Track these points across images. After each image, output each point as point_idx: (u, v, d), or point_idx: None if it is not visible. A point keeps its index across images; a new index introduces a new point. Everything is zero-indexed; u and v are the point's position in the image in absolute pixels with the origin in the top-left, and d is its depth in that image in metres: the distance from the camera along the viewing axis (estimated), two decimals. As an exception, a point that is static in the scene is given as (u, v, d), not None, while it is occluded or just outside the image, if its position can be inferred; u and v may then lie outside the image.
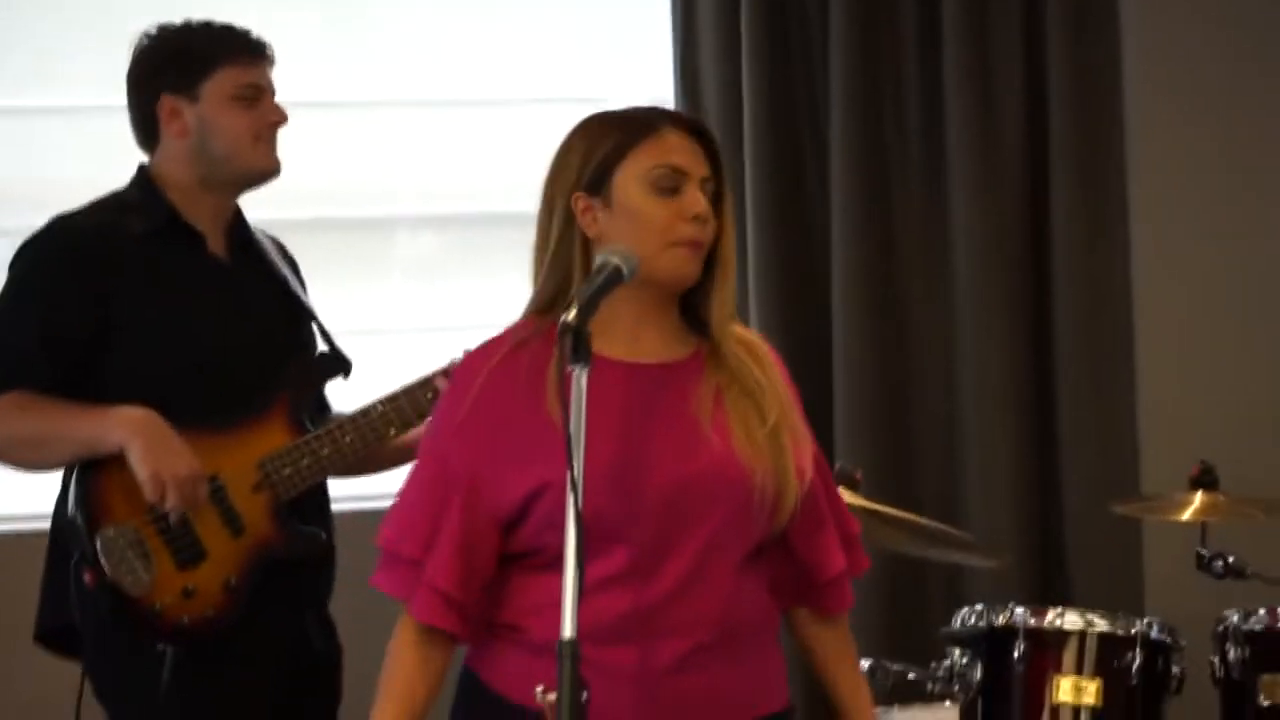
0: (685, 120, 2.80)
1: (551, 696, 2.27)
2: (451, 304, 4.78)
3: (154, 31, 3.57)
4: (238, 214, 3.64)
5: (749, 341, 2.80)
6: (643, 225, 2.66)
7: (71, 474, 3.40)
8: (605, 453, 2.54)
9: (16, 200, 3.90)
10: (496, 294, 4.58)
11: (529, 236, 3.54)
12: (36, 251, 3.49)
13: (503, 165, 4.93)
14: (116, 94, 3.72)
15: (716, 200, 2.72)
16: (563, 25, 5.08)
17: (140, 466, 3.27)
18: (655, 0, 5.01)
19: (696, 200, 2.65)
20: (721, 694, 2.72)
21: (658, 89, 4.98)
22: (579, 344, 2.43)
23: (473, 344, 2.93)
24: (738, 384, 2.72)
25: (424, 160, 4.90)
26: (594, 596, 2.41)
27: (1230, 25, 5.15)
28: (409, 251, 5.08)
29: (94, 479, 3.35)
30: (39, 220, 3.55)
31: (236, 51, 3.55)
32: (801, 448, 2.75)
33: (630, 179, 2.69)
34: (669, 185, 2.67)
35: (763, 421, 2.70)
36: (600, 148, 2.71)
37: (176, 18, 3.61)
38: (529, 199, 4.58)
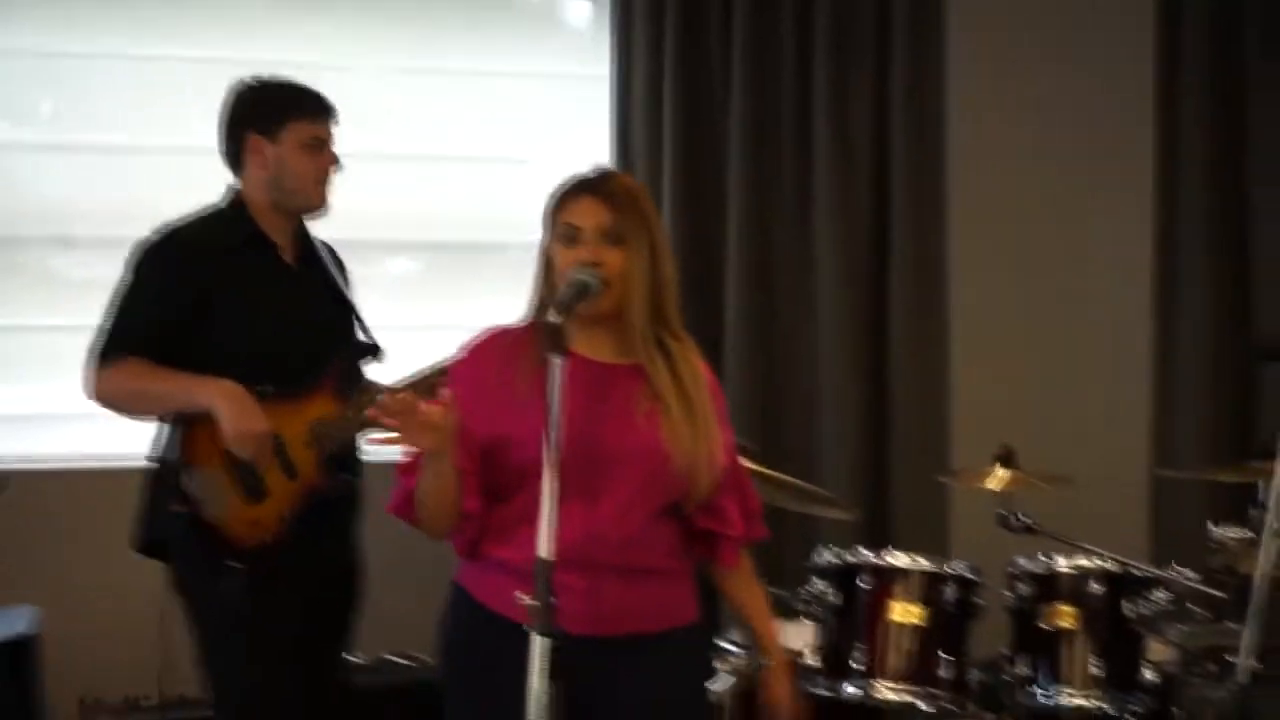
0: (600, 184, 2.83)
1: (528, 600, 2.36)
2: (425, 315, 4.75)
3: (250, 82, 3.57)
4: (303, 228, 3.66)
5: (686, 355, 2.84)
6: (554, 265, 2.76)
7: (166, 426, 3.42)
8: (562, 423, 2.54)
9: (132, 218, 3.75)
10: (462, 308, 4.68)
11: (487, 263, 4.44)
12: (149, 254, 3.49)
13: (472, 208, 4.97)
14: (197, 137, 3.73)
15: (621, 242, 2.75)
16: (525, 101, 5.06)
17: (227, 425, 3.32)
18: (598, 87, 5.03)
19: (586, 251, 2.73)
20: (637, 605, 2.78)
21: (597, 151, 4.97)
22: (558, 340, 2.50)
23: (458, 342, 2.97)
24: (673, 392, 2.77)
25: (411, 200, 4.89)
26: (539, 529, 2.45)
27: (1033, 80, 5.15)
28: (389, 270, 4.98)
29: (186, 430, 3.37)
30: (143, 231, 3.55)
31: (310, 109, 3.56)
32: (716, 442, 2.81)
33: (553, 233, 2.79)
34: (569, 236, 2.74)
35: (681, 412, 2.76)
36: (552, 205, 2.81)
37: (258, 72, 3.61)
38: (491, 233, 5.01)
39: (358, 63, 4.78)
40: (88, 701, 4.32)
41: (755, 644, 3.11)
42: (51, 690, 3.97)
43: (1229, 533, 3.74)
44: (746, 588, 3.01)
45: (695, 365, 2.84)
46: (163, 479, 3.42)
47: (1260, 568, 2.79)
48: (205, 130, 3.73)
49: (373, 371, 3.64)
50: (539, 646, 2.34)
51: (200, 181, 3.82)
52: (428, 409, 2.65)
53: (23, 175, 4.65)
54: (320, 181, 3.57)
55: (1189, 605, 3.80)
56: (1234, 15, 4.89)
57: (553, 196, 2.81)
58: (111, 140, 4.69)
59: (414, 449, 2.71)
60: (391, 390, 3.15)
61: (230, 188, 3.58)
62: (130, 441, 3.64)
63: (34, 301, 4.67)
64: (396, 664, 4.55)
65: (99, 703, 4.32)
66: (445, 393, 2.72)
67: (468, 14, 4.97)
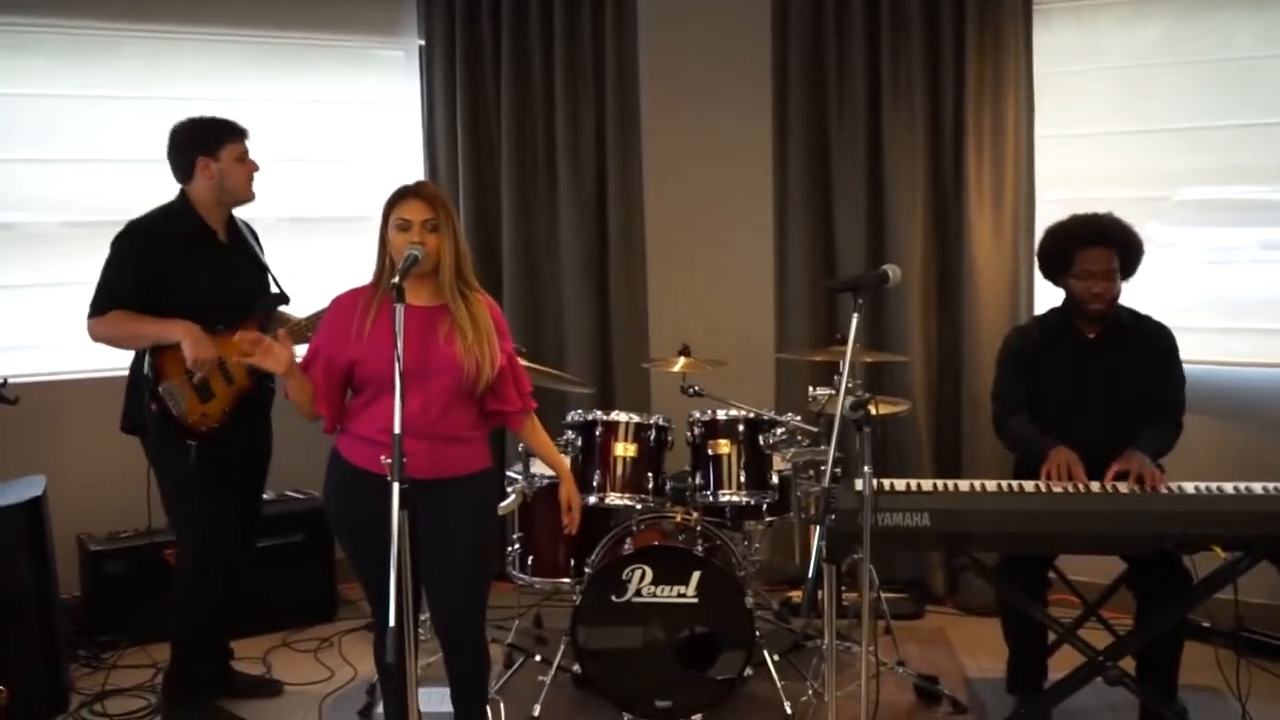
0: (420, 190, 2.80)
1: (387, 460, 2.44)
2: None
3: (189, 120, 3.47)
4: (232, 216, 3.59)
5: (476, 299, 2.86)
6: (394, 243, 2.75)
7: (144, 352, 3.40)
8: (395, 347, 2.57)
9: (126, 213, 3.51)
10: (321, 265, 4.57)
11: (344, 234, 4.23)
12: (126, 236, 3.41)
13: (320, 193, 4.85)
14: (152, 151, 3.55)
15: (436, 229, 2.76)
16: (360, 118, 4.90)
17: (188, 352, 3.32)
18: (412, 141, 4.91)
19: (415, 235, 2.73)
20: (451, 459, 2.83)
21: (412, 153, 4.93)
22: (400, 294, 2.59)
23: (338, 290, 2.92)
24: (464, 317, 2.79)
25: (293, 191, 4.72)
26: (391, 410, 2.50)
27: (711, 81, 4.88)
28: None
29: (158, 356, 3.37)
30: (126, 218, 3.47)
31: (238, 133, 3.50)
32: (494, 350, 2.82)
33: (390, 222, 2.77)
34: (403, 225, 2.74)
35: (473, 337, 2.78)
36: (388, 204, 2.79)
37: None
38: (341, 211, 4.71)
39: (241, 94, 4.61)
40: (82, 537, 4.32)
41: (549, 466, 3.15)
42: (57, 533, 3.82)
43: (820, 391, 3.81)
44: (537, 436, 3.07)
45: (482, 304, 2.86)
46: (141, 388, 3.40)
47: (838, 412, 2.78)
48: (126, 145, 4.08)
49: (282, 311, 3.62)
50: (396, 487, 2.40)
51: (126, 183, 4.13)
52: (269, 342, 2.73)
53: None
54: (249, 181, 3.52)
55: (797, 436, 3.89)
56: (821, 78, 4.72)
57: (389, 199, 2.80)
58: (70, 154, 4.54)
59: (266, 367, 2.76)
60: (288, 328, 3.17)
61: (181, 190, 3.50)
62: (101, 359, 3.64)
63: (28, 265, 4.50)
64: (293, 496, 4.64)
65: (90, 536, 4.32)
66: (282, 333, 2.77)
67: (321, 59, 4.81)
